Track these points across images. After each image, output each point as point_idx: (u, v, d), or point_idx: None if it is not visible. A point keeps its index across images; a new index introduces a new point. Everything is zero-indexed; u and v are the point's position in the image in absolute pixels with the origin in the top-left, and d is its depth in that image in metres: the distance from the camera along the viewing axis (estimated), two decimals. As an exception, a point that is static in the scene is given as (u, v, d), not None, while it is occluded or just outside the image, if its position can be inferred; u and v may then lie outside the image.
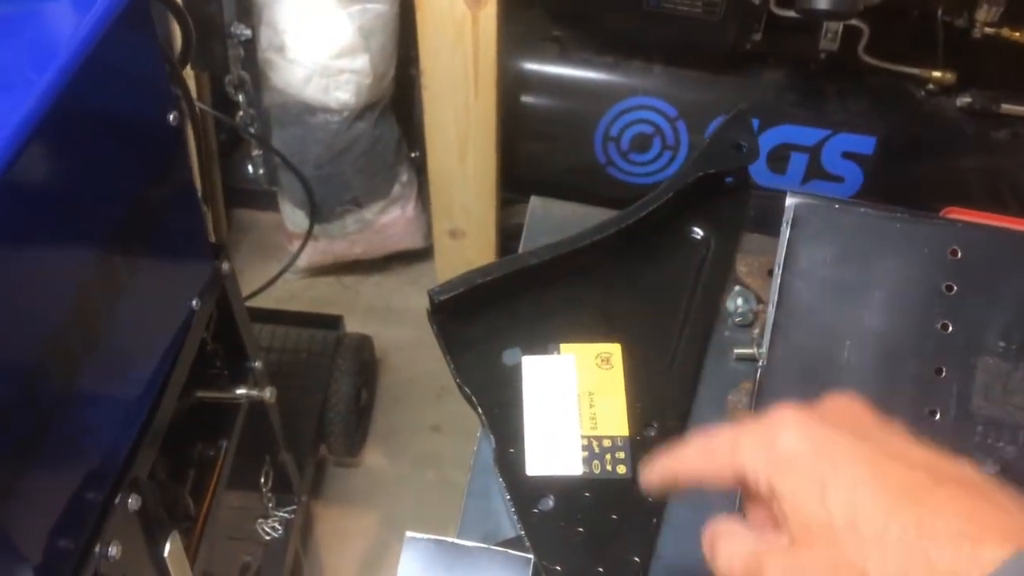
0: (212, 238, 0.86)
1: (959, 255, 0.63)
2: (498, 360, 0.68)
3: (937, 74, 1.31)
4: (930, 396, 0.61)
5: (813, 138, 1.35)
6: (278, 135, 1.57)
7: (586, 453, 0.64)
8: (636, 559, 0.60)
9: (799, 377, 0.63)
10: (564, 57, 1.41)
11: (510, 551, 0.57)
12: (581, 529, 0.61)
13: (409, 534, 0.57)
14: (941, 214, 0.70)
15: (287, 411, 1.16)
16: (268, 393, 0.99)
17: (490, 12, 1.26)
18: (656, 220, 0.74)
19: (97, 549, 0.65)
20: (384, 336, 1.70)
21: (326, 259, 1.77)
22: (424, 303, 0.68)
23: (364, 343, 1.57)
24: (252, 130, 1.59)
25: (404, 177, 1.68)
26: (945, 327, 0.62)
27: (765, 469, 0.38)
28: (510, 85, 1.40)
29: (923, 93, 1.34)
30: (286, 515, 1.25)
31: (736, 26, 1.29)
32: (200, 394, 0.93)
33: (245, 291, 1.00)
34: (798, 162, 1.37)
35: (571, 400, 0.66)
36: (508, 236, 1.62)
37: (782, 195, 0.66)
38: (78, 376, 0.62)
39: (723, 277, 0.75)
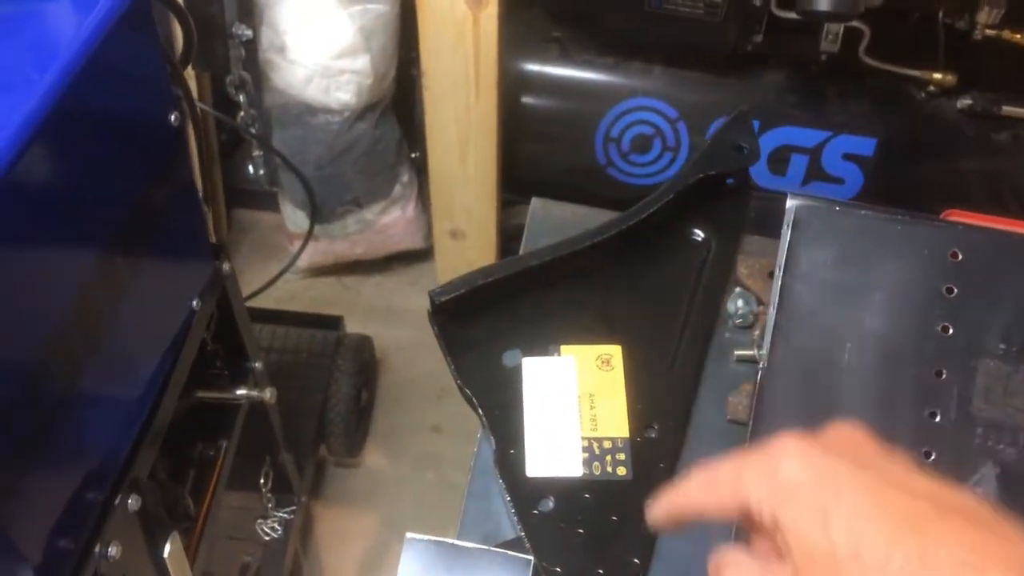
0: (213, 238, 0.86)
1: (960, 257, 0.63)
2: (499, 361, 0.68)
3: (938, 76, 1.31)
4: (930, 398, 0.61)
5: (814, 140, 1.35)
6: (279, 135, 1.57)
7: (586, 454, 0.64)
8: (636, 560, 0.60)
9: (800, 379, 0.63)
10: (565, 58, 1.41)
11: (510, 552, 0.57)
12: (581, 530, 0.61)
13: (409, 535, 0.57)
14: (941, 216, 0.70)
15: (287, 411, 1.16)
16: (268, 393, 0.99)
17: (491, 13, 1.26)
18: (657, 221, 0.74)
19: (97, 549, 0.65)
20: (384, 337, 1.70)
21: (326, 259, 1.77)
22: (424, 304, 0.68)
23: (364, 343, 1.57)
24: (253, 130, 1.59)
25: (405, 178, 1.68)
26: (945, 329, 0.62)
27: (768, 500, 0.38)
28: (511, 86, 1.40)
29: (924, 95, 1.34)
30: (286, 515, 1.25)
31: (737, 27, 1.29)
32: (200, 394, 0.93)
33: (245, 291, 1.00)
34: (798, 164, 1.37)
35: (571, 401, 0.66)
36: (509, 237, 1.62)
37: (783, 197, 0.66)
38: (79, 376, 0.62)
39: (724, 279, 0.75)
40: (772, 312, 0.64)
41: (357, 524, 1.51)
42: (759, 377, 0.64)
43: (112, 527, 0.67)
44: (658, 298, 0.74)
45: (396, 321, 1.76)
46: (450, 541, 0.57)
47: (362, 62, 1.47)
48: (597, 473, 0.63)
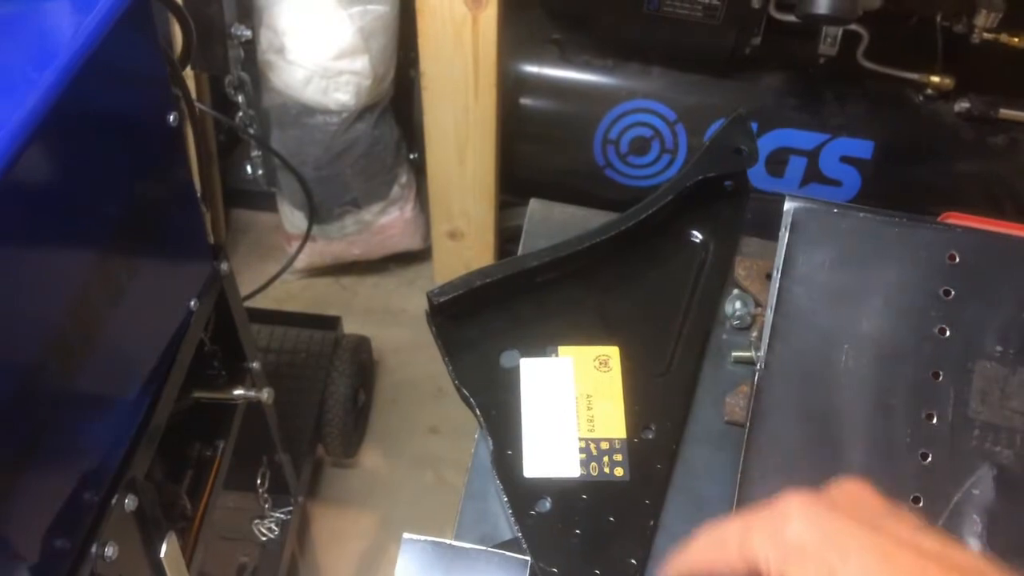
0: (211, 238, 0.86)
1: (957, 260, 0.63)
2: (496, 362, 0.68)
3: (936, 79, 1.31)
4: (927, 400, 0.61)
5: (812, 142, 1.35)
6: (277, 136, 1.57)
7: (583, 455, 0.64)
8: (633, 561, 0.60)
9: (797, 381, 0.63)
10: (564, 60, 1.41)
11: (507, 553, 0.57)
12: (578, 531, 0.61)
13: (406, 536, 0.57)
14: (939, 219, 0.70)
15: (284, 412, 1.16)
16: (265, 394, 0.99)
17: (490, 14, 1.26)
18: (655, 223, 0.74)
19: (94, 549, 0.65)
20: (382, 337, 1.70)
21: (324, 260, 1.77)
22: (422, 304, 0.68)
23: (362, 344, 1.57)
24: (251, 131, 1.59)
25: (403, 178, 1.68)
26: (943, 331, 0.62)
27: (775, 559, 0.38)
28: (510, 87, 1.40)
29: (921, 98, 1.35)
30: (283, 516, 1.25)
31: (736, 30, 1.29)
32: (198, 394, 0.93)
33: (243, 292, 1.00)
34: (796, 166, 1.37)
35: (569, 402, 0.66)
36: (507, 238, 1.62)
37: (780, 199, 0.66)
38: (76, 376, 0.62)
39: (721, 280, 0.75)
40: (770, 314, 0.65)
41: (354, 525, 1.51)
42: (756, 379, 0.64)
43: (109, 527, 0.67)
44: (656, 299, 0.74)
45: (394, 322, 1.76)
46: (447, 542, 0.57)
47: (361, 63, 1.47)
48: (594, 474, 0.63)
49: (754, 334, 0.72)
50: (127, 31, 0.61)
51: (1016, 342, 0.61)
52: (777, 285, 0.65)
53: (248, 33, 1.46)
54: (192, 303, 0.81)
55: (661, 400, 0.68)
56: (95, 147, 0.61)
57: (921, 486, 0.59)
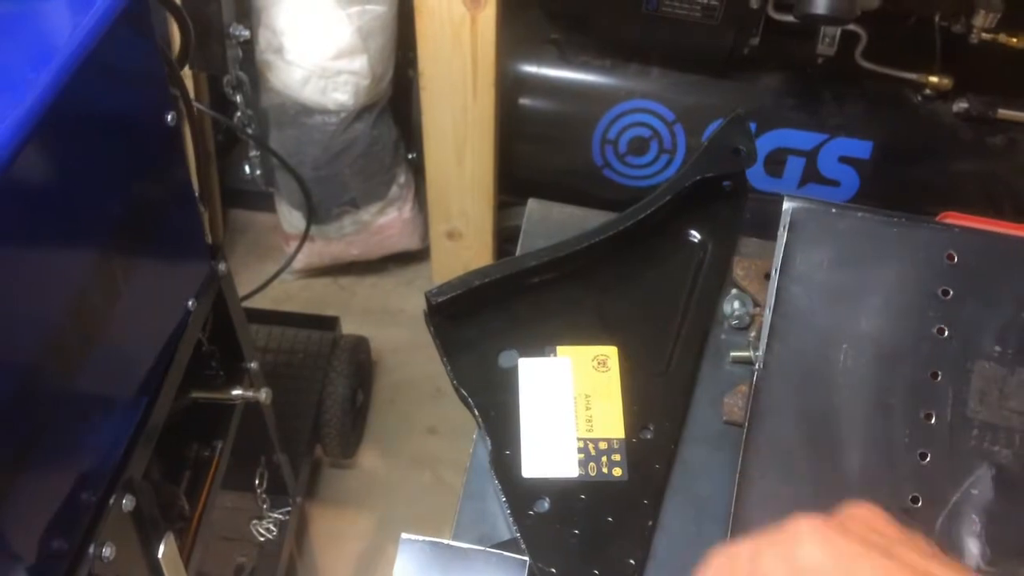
0: (209, 238, 0.86)
1: (956, 260, 0.63)
2: (495, 362, 0.68)
3: (934, 79, 1.31)
4: (926, 400, 0.61)
5: (810, 142, 1.35)
6: (276, 136, 1.57)
7: (582, 455, 0.64)
8: (631, 561, 0.60)
9: (795, 381, 0.63)
10: (562, 60, 1.41)
11: (505, 553, 0.57)
12: (577, 531, 0.61)
13: (404, 536, 0.57)
14: (938, 219, 0.70)
15: (283, 412, 1.16)
16: (264, 394, 0.99)
17: (489, 14, 1.26)
18: (653, 223, 0.74)
19: (91, 550, 0.65)
20: (380, 337, 1.70)
21: (323, 260, 1.77)
22: (421, 304, 0.68)
23: (360, 344, 1.57)
24: (250, 131, 1.59)
25: (402, 178, 1.68)
26: (941, 331, 0.62)
27: None
28: (508, 87, 1.40)
29: (920, 98, 1.35)
30: (281, 516, 1.24)
31: (734, 30, 1.29)
32: (196, 394, 0.92)
33: (241, 292, 1.00)
34: (795, 166, 1.37)
35: (567, 402, 0.66)
36: (505, 238, 1.62)
37: (779, 199, 0.66)
38: (74, 376, 0.62)
39: (720, 280, 0.75)
40: (768, 314, 0.65)
41: (352, 525, 1.51)
42: (755, 378, 0.64)
43: (106, 527, 0.67)
44: (654, 299, 0.74)
45: (392, 322, 1.76)
46: (445, 542, 0.57)
47: (360, 63, 1.47)
48: (593, 474, 0.63)
49: (752, 334, 0.72)
50: (125, 30, 0.61)
51: (1015, 342, 0.61)
52: (776, 285, 0.65)
53: (246, 33, 1.46)
54: (190, 303, 0.81)
55: (659, 400, 0.68)
56: (93, 147, 0.61)
57: (920, 486, 0.59)
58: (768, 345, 0.64)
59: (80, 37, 0.57)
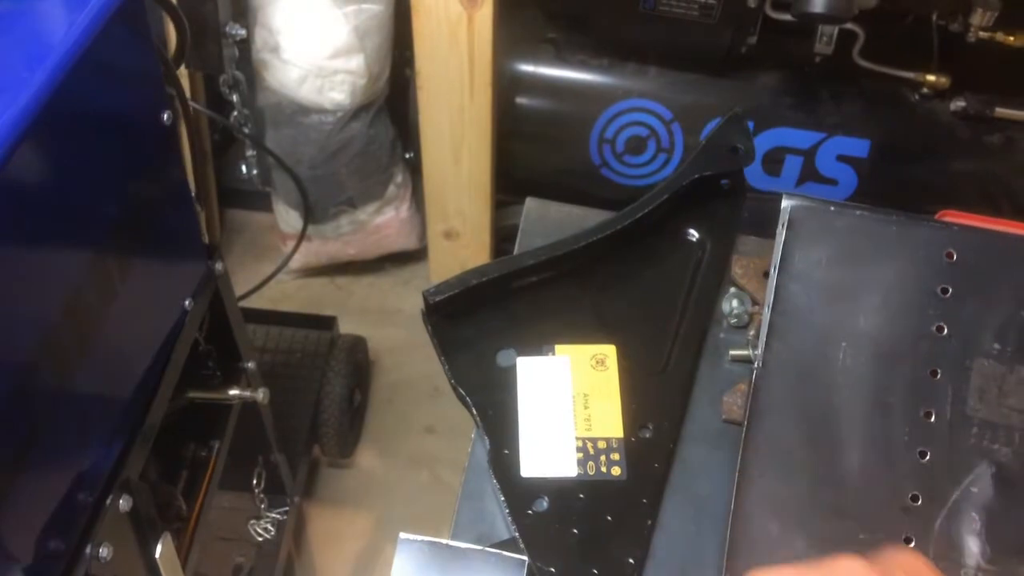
0: (205, 238, 0.86)
1: (955, 258, 0.63)
2: (493, 361, 0.68)
3: (931, 78, 1.31)
4: (925, 398, 0.61)
5: (808, 141, 1.35)
6: (272, 135, 1.57)
7: (580, 455, 0.63)
8: (630, 560, 0.60)
9: (795, 379, 0.63)
10: (559, 59, 1.41)
11: (504, 553, 0.57)
12: (575, 530, 0.60)
13: (403, 535, 0.56)
14: (936, 217, 0.70)
15: (280, 412, 1.16)
16: (261, 394, 0.99)
17: (486, 13, 1.26)
18: (652, 222, 0.74)
19: (88, 550, 0.65)
20: (378, 337, 1.69)
21: (320, 260, 1.77)
22: (418, 304, 0.67)
23: (358, 344, 1.56)
24: (246, 130, 1.58)
25: (399, 178, 1.68)
26: (940, 330, 0.62)
27: None
28: (505, 86, 1.40)
29: (917, 97, 1.35)
30: (279, 516, 1.24)
31: (732, 29, 1.29)
32: (192, 394, 0.92)
33: (238, 291, 1.00)
34: (792, 165, 1.37)
35: (566, 401, 0.66)
36: (503, 237, 1.62)
37: (777, 197, 0.66)
38: (70, 376, 0.62)
39: (718, 279, 0.75)
40: (767, 312, 0.64)
41: (350, 525, 1.51)
42: (754, 377, 0.64)
43: (103, 528, 0.66)
44: (653, 298, 0.74)
45: (389, 322, 1.76)
46: (444, 542, 0.57)
47: (356, 62, 1.47)
48: (591, 473, 0.63)
49: (751, 332, 0.72)
50: (120, 29, 0.61)
51: (1014, 340, 0.61)
52: (774, 283, 0.65)
53: (243, 32, 1.46)
54: (187, 303, 0.81)
55: (658, 399, 0.68)
56: (88, 146, 0.61)
57: (919, 484, 0.59)
58: (767, 344, 0.64)
59: (75, 35, 0.57)
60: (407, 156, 1.68)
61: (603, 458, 0.63)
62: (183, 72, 1.45)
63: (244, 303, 1.18)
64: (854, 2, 1.11)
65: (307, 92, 1.49)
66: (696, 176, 0.75)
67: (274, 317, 1.53)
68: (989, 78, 1.34)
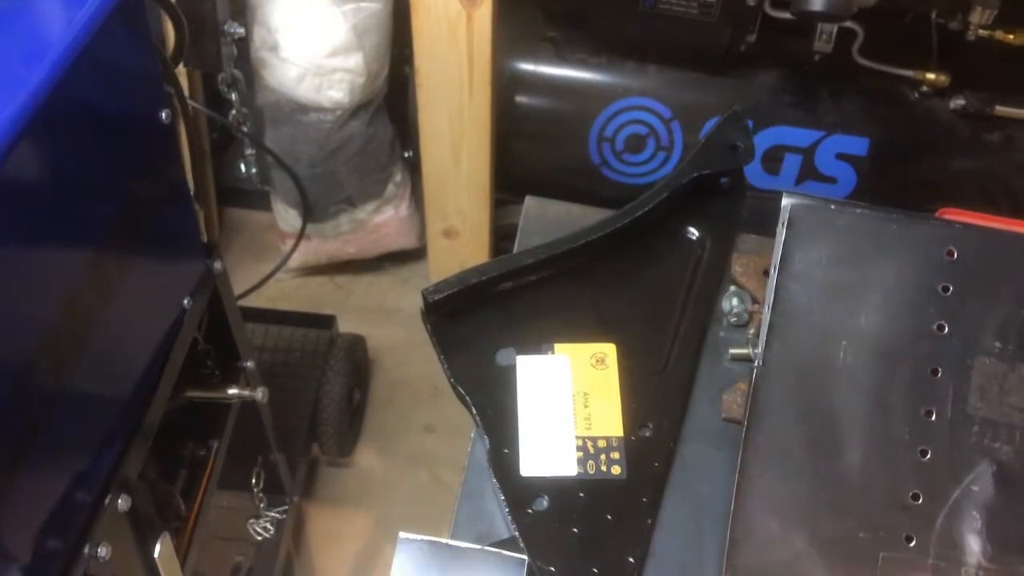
0: (204, 237, 0.85)
1: (955, 256, 0.63)
2: (492, 360, 0.68)
3: (931, 76, 1.31)
4: (926, 397, 0.61)
5: (807, 139, 1.35)
6: (271, 134, 1.57)
7: (580, 454, 0.63)
8: (630, 559, 0.60)
9: (795, 377, 0.63)
10: (559, 57, 1.40)
11: (504, 552, 0.57)
12: (575, 529, 0.60)
13: (402, 535, 0.56)
14: (937, 215, 0.70)
15: (279, 411, 1.16)
16: (260, 393, 0.99)
17: (485, 12, 1.26)
18: (651, 220, 0.74)
19: (86, 549, 0.64)
20: (377, 336, 1.69)
21: (319, 259, 1.77)
22: (417, 303, 0.67)
23: (357, 343, 1.56)
24: (245, 129, 1.58)
25: (398, 177, 1.68)
26: (941, 328, 0.62)
27: None
28: (505, 85, 1.40)
29: (917, 95, 1.35)
30: (278, 515, 1.24)
31: (731, 27, 1.29)
32: (191, 394, 0.92)
33: (237, 290, 1.00)
34: (792, 163, 1.37)
35: (566, 400, 0.66)
36: (502, 236, 1.62)
37: (776, 195, 0.66)
38: (69, 375, 0.62)
39: (718, 277, 0.75)
40: (767, 311, 0.64)
41: (350, 524, 1.50)
42: (754, 376, 0.64)
43: (102, 527, 0.66)
44: (652, 297, 0.73)
45: (389, 320, 1.76)
46: (443, 541, 0.57)
47: (355, 60, 1.47)
48: (591, 472, 0.63)
49: (751, 331, 0.72)
50: (119, 27, 0.61)
51: (1015, 338, 0.61)
52: (774, 282, 0.64)
53: (241, 30, 1.45)
54: (185, 301, 0.81)
55: (658, 398, 0.67)
56: (86, 145, 0.61)
57: (920, 483, 0.59)
58: (767, 342, 0.64)
59: (74, 34, 0.57)
60: (406, 155, 1.68)
61: (603, 457, 0.63)
62: (181, 71, 1.45)
63: (243, 302, 1.18)
64: (853, 0, 1.11)
65: (306, 90, 1.48)
66: (696, 174, 0.75)
67: (273, 316, 1.52)
68: (988, 76, 1.33)
